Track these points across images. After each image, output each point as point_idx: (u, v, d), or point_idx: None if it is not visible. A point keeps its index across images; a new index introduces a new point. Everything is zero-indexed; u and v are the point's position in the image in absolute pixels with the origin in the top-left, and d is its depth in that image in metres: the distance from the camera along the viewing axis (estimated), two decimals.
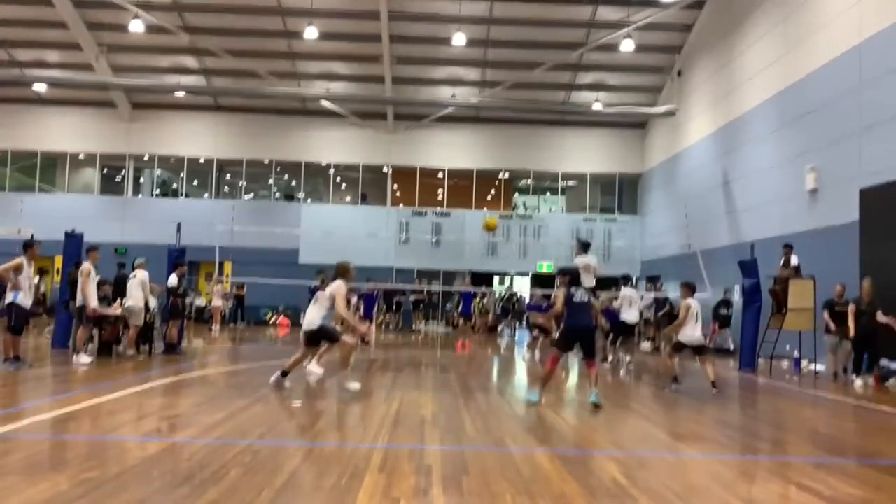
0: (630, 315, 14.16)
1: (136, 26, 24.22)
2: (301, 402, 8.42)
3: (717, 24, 22.89)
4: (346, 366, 9.73)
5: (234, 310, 24.70)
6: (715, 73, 22.95)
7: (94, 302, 11.86)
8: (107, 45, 26.54)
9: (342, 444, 6.05)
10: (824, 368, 13.75)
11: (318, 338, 9.45)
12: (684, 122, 25.26)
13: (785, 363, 15.44)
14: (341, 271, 9.53)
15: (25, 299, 10.62)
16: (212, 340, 18.64)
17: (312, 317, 9.39)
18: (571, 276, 9.13)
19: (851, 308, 12.36)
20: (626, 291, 14.54)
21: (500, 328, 26.68)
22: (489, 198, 31.43)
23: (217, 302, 22.89)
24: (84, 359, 11.39)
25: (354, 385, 9.15)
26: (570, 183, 32.25)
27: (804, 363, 14.62)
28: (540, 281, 29.31)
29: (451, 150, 30.47)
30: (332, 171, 31.30)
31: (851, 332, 12.25)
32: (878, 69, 14.42)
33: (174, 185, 32.49)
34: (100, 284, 12.91)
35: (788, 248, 14.99)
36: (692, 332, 10.58)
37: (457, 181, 30.99)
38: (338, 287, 9.34)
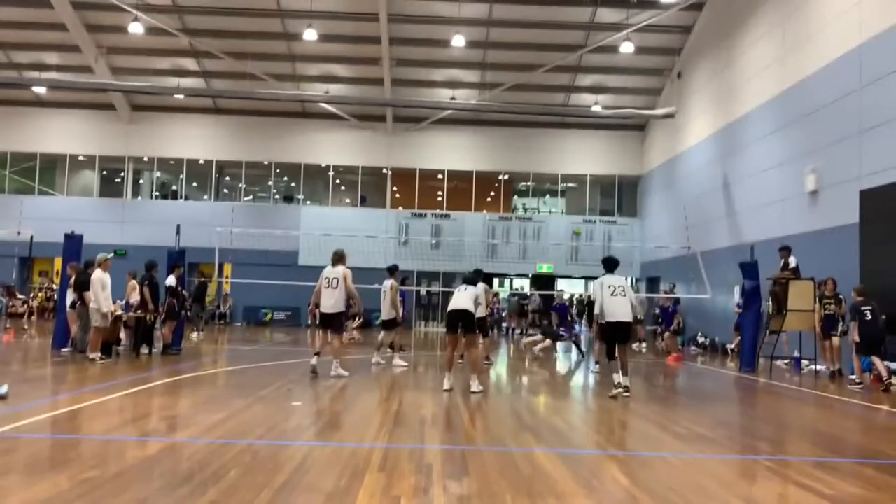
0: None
1: (136, 28, 24.24)
2: (301, 403, 8.42)
3: (717, 25, 22.89)
4: None
5: None
6: (715, 75, 22.94)
7: None
8: (106, 47, 26.57)
9: (342, 443, 6.04)
10: (824, 368, 13.74)
11: None
12: (684, 123, 25.23)
13: (785, 363, 15.43)
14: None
15: None
16: (200, 341, 18.63)
17: None
18: None
19: None
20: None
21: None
22: (489, 200, 31.43)
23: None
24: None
25: None
26: (570, 185, 32.25)
27: (804, 363, 14.61)
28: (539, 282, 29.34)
29: (450, 152, 30.47)
30: (331, 173, 31.30)
31: None
32: (878, 70, 14.41)
33: (173, 187, 32.48)
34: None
35: (786, 251, 14.79)
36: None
37: (456, 183, 30.98)
38: None
